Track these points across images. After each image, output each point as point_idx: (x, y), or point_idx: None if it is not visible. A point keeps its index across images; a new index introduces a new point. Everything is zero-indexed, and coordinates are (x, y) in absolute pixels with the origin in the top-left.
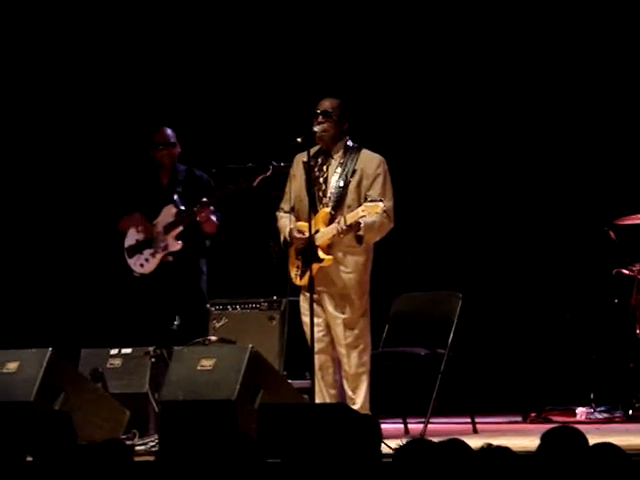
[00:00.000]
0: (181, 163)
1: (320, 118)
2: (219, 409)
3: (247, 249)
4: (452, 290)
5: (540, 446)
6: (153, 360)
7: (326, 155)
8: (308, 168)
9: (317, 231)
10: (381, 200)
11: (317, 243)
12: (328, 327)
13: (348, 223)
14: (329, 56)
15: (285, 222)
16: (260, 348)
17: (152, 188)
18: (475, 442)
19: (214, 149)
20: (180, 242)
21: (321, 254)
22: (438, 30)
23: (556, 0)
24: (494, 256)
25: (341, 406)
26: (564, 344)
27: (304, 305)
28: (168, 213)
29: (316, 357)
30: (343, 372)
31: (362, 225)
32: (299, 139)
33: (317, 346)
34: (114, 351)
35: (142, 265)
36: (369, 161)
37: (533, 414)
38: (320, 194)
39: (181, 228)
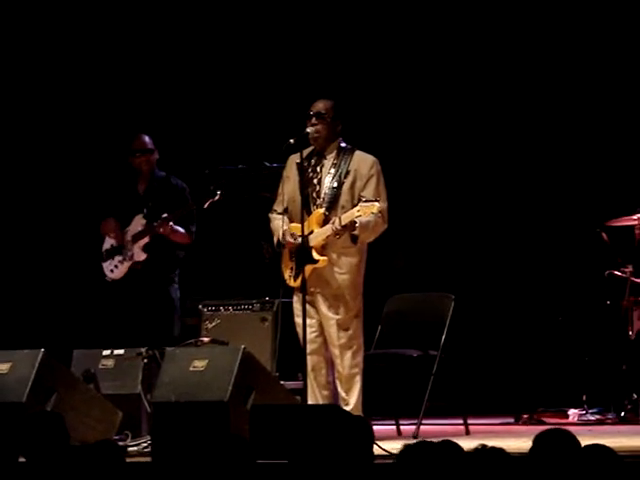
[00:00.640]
0: (168, 166)
1: (313, 119)
2: (211, 410)
3: (239, 250)
4: (444, 291)
5: (532, 448)
6: (145, 361)
7: (319, 156)
8: (301, 169)
9: (311, 232)
10: (377, 200)
11: (311, 244)
12: (321, 328)
13: (343, 223)
14: (322, 57)
15: (278, 224)
16: (252, 349)
17: (128, 195)
18: (467, 443)
19: (207, 150)
20: (145, 254)
21: (315, 255)
22: (431, 30)
23: (556, 0)
24: (487, 257)
25: (333, 407)
26: (556, 346)
27: (297, 306)
28: (138, 222)
29: (309, 358)
30: (336, 373)
31: (357, 225)
32: (292, 140)
33: (310, 347)
34: (106, 352)
35: (112, 270)
36: (363, 162)
37: (525, 415)
38: (314, 195)
39: (147, 239)
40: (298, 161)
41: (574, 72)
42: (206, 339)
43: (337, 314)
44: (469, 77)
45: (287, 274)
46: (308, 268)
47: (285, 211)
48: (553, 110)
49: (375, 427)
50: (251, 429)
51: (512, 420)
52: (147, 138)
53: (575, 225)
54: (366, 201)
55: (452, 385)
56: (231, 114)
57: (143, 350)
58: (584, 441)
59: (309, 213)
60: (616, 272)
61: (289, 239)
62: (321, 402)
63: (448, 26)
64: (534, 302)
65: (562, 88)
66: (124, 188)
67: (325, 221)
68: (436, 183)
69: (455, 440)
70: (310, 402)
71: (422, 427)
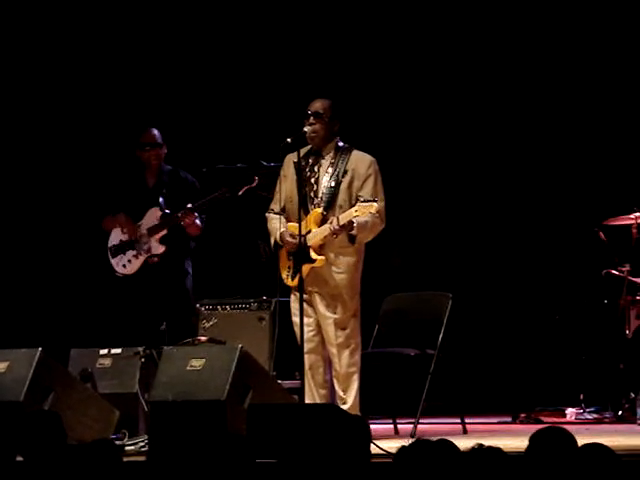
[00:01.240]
0: (167, 163)
1: (311, 119)
2: (209, 409)
3: (236, 249)
4: (442, 290)
5: (529, 447)
6: (143, 360)
7: (317, 155)
8: (299, 168)
9: (309, 231)
10: (375, 200)
11: (309, 243)
12: (319, 327)
13: (341, 223)
14: (320, 56)
15: (276, 224)
16: (250, 348)
17: (137, 189)
18: (465, 443)
19: (204, 149)
20: (163, 246)
21: (313, 255)
22: (428, 29)
23: (556, 0)
24: (484, 256)
25: (331, 406)
26: (554, 345)
27: (295, 305)
28: (153, 215)
29: (306, 357)
30: (334, 372)
31: (355, 224)
32: (289, 139)
33: (307, 346)
34: (104, 351)
35: (125, 266)
36: (360, 161)
37: (523, 415)
38: (311, 194)
39: (165, 231)
40: (295, 160)
41: (573, 72)
42: (203, 338)
43: (335, 313)
44: (467, 76)
45: (284, 273)
46: (306, 267)
47: (282, 210)
48: (551, 110)
49: (372, 426)
50: (248, 428)
51: (509, 419)
52: (156, 132)
53: (572, 224)
54: (364, 201)
55: (449, 384)
56: (229, 113)
57: (140, 349)
58: (582, 440)
59: (307, 212)
60: (613, 271)
61: (289, 239)
62: (318, 401)
63: (446, 25)
64: (531, 301)
65: (560, 88)
66: (132, 182)
67: (323, 220)
68: (434, 182)
69: (452, 439)
70: (307, 401)
71: (419, 426)
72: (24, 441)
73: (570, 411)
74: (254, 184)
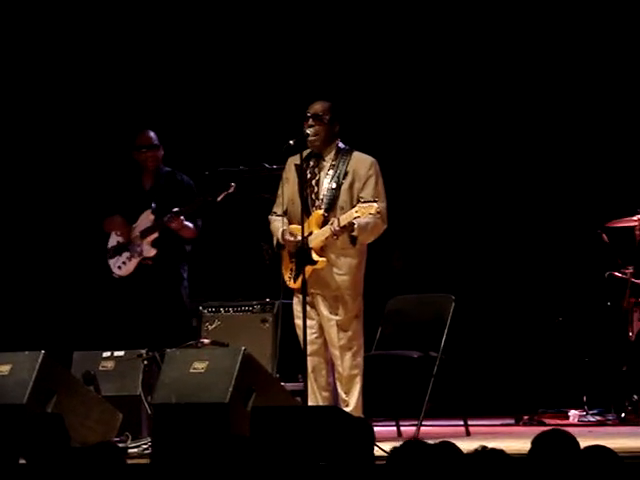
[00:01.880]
0: (169, 165)
1: (311, 121)
2: (212, 412)
3: (240, 252)
4: (445, 292)
5: (531, 449)
6: (145, 363)
7: (318, 158)
8: (301, 171)
9: (310, 233)
10: (375, 201)
11: (311, 245)
12: (321, 329)
13: (342, 224)
14: (322, 58)
15: (278, 225)
16: (253, 350)
17: (134, 191)
18: (468, 445)
19: (207, 152)
20: (155, 249)
21: (315, 256)
22: (429, 30)
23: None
24: (487, 258)
25: (334, 409)
26: (557, 347)
27: (297, 308)
28: (146, 218)
29: (309, 359)
30: (336, 374)
31: (356, 226)
32: (292, 142)
33: (310, 348)
34: (106, 354)
35: (120, 267)
36: (361, 163)
37: (526, 417)
38: (313, 196)
39: (157, 234)
40: (297, 163)
41: (575, 74)
42: (206, 340)
43: (337, 315)
44: (468, 78)
45: (287, 275)
46: (308, 269)
47: (285, 213)
48: (554, 112)
49: (375, 428)
50: (251, 431)
51: (512, 421)
52: (152, 134)
53: (575, 226)
54: (364, 202)
55: (452, 386)
56: (231, 115)
57: (143, 352)
58: (584, 442)
59: (308, 214)
60: (616, 273)
61: (288, 237)
62: (321, 403)
63: (446, 26)
64: (534, 303)
65: (563, 90)
66: (128, 184)
67: (324, 222)
68: (436, 183)
69: (455, 441)
70: (310, 403)
71: (422, 428)
72: (27, 444)
73: (573, 413)
74: (231, 190)
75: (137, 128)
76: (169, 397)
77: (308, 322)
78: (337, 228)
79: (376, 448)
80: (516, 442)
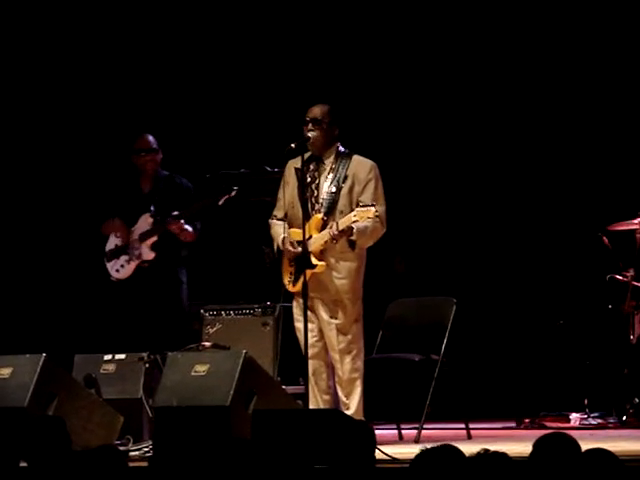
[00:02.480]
0: (168, 169)
1: (310, 125)
2: (213, 415)
3: (241, 255)
4: (445, 296)
5: (532, 453)
6: (147, 366)
7: (317, 161)
8: (301, 175)
9: (310, 237)
10: (373, 205)
11: (310, 249)
12: (321, 333)
13: (340, 228)
14: (321, 62)
15: (278, 230)
16: (254, 354)
17: (132, 194)
18: (469, 448)
19: (208, 155)
20: (153, 252)
21: (314, 260)
22: (429, 33)
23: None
24: (488, 261)
25: (335, 412)
26: (558, 350)
27: (297, 311)
28: (145, 221)
29: (310, 363)
30: (336, 378)
31: (354, 230)
32: (293, 145)
33: (310, 351)
34: (108, 357)
35: (118, 270)
36: (361, 166)
37: (527, 420)
38: (312, 200)
39: (155, 238)
40: (297, 166)
41: (575, 76)
42: (208, 344)
43: (336, 319)
44: (468, 81)
45: (286, 279)
46: (307, 273)
47: (285, 216)
48: (554, 114)
49: (376, 431)
50: (252, 434)
51: (514, 424)
52: (151, 138)
53: (576, 229)
54: (363, 206)
55: (454, 389)
56: (232, 118)
57: (145, 355)
58: (586, 445)
59: (308, 218)
60: (617, 276)
61: (289, 247)
62: (322, 407)
63: (446, 29)
64: (535, 306)
65: (563, 92)
66: (127, 187)
67: (323, 226)
68: (436, 187)
69: (457, 445)
70: (311, 407)
71: (424, 431)
72: (28, 447)
73: (574, 416)
74: (233, 194)
75: (136, 132)
76: (170, 400)
77: (308, 325)
78: (336, 232)
79: (377, 451)
80: (517, 445)
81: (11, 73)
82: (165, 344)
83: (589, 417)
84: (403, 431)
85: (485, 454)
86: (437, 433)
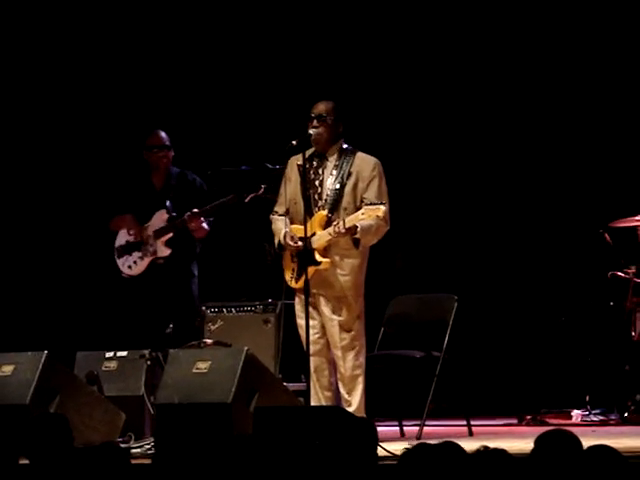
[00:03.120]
0: (174, 166)
1: (315, 122)
2: (214, 412)
3: (242, 252)
4: (447, 292)
5: (534, 449)
6: (149, 363)
7: (321, 158)
8: (304, 171)
9: (313, 234)
10: (382, 203)
11: (314, 246)
12: (323, 329)
13: (347, 226)
14: (325, 58)
15: (280, 225)
16: (255, 351)
17: (145, 191)
18: (470, 445)
19: (209, 151)
20: (169, 249)
21: (318, 257)
22: (432, 32)
23: (556, 0)
24: (489, 258)
25: (337, 409)
26: (559, 346)
27: (299, 308)
28: (160, 218)
29: (311, 359)
30: (338, 374)
31: (359, 228)
32: (294, 142)
33: (312, 348)
34: (110, 354)
35: (130, 267)
36: (365, 163)
37: (528, 417)
38: (316, 197)
39: (171, 234)
40: (299, 162)
41: (576, 74)
42: (209, 341)
43: (339, 315)
44: (470, 79)
45: (288, 276)
46: (310, 270)
47: (286, 212)
48: (556, 112)
49: (378, 428)
50: (254, 431)
51: (515, 421)
52: (164, 134)
53: (578, 226)
54: (371, 204)
55: (455, 386)
56: (233, 115)
57: (146, 352)
58: (587, 442)
59: (311, 215)
60: (619, 273)
61: (289, 242)
62: (324, 403)
63: (449, 27)
64: (537, 303)
65: (564, 90)
66: (139, 184)
67: (327, 223)
68: (438, 184)
69: (458, 441)
70: (313, 403)
71: (425, 428)
72: (30, 444)
73: (576, 413)
74: (260, 192)
75: (142, 128)
76: (172, 397)
77: (310, 322)
78: (343, 230)
79: (379, 448)
80: (519, 442)
81: (25, 70)
82: (180, 337)
83: (591, 414)
84: (405, 428)
85: (485, 451)
86: (439, 430)
